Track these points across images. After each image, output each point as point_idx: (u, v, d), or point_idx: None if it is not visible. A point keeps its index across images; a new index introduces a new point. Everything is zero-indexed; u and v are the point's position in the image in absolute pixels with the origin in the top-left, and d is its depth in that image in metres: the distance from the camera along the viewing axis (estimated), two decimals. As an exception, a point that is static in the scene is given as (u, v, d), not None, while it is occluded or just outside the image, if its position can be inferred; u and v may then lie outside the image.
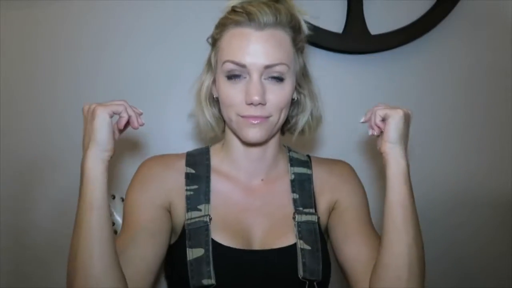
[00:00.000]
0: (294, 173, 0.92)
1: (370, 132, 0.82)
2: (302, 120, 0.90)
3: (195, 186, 0.87)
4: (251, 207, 0.87)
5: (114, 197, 1.15)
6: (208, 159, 0.91)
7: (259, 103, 0.78)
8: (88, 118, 0.73)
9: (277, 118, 0.82)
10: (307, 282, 0.82)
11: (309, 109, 0.90)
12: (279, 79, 0.80)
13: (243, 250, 0.82)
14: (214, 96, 0.88)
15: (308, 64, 0.90)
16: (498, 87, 1.43)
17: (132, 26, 1.19)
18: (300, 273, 0.81)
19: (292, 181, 0.91)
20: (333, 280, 0.88)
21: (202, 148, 0.95)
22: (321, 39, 1.22)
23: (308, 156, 0.97)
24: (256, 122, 0.80)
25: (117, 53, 1.19)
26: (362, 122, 0.83)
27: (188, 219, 0.84)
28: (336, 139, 1.30)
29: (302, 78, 0.88)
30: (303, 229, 0.85)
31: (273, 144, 0.89)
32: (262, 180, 0.90)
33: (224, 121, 0.88)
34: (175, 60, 1.22)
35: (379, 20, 1.29)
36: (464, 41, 1.40)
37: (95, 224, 0.70)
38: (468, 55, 1.40)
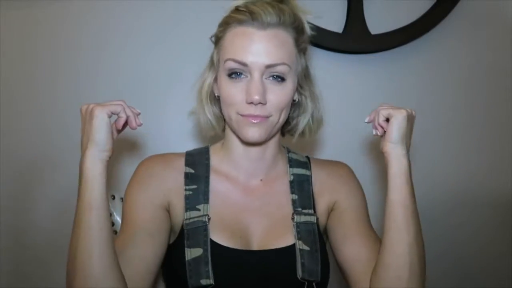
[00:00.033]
0: (293, 174, 0.92)
1: (374, 132, 0.82)
2: (302, 121, 0.90)
3: (194, 186, 0.87)
4: (250, 207, 0.87)
5: (114, 197, 1.15)
6: (208, 159, 0.91)
7: (259, 103, 0.78)
8: (87, 118, 0.73)
9: (277, 118, 0.82)
10: (306, 283, 0.81)
11: (310, 111, 0.89)
12: (280, 79, 0.80)
13: (242, 250, 0.82)
14: (216, 95, 0.88)
15: (310, 66, 0.90)
16: (498, 87, 1.43)
17: (132, 26, 1.20)
18: (299, 273, 0.81)
19: (291, 182, 0.91)
20: (332, 281, 0.88)
21: (201, 147, 0.94)
22: (321, 39, 1.22)
23: (307, 157, 0.96)
24: (256, 121, 0.80)
25: (117, 53, 1.19)
26: (367, 122, 0.83)
27: (186, 219, 0.84)
28: (335, 139, 1.30)
29: (304, 79, 0.87)
30: (302, 230, 0.85)
31: (272, 144, 0.89)
32: (261, 180, 0.90)
33: (225, 120, 0.88)
34: (175, 60, 1.22)
35: (379, 20, 1.29)
36: (464, 41, 1.40)
37: (94, 224, 0.70)
38: (468, 55, 1.40)
